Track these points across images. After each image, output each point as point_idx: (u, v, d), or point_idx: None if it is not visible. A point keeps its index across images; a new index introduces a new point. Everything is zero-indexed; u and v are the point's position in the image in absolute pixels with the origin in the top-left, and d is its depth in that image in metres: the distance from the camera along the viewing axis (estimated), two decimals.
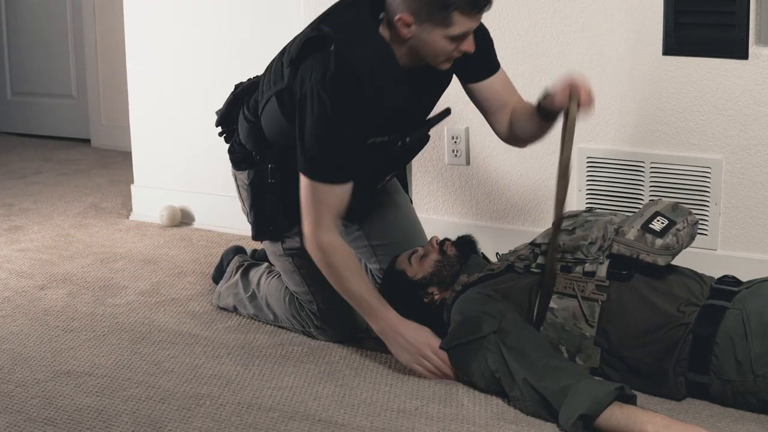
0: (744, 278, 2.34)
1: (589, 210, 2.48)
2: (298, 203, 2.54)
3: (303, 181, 2.39)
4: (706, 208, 2.89)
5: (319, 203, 2.39)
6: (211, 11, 3.61)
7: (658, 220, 2.29)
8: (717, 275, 2.37)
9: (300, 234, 2.57)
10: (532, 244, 2.42)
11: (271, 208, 2.60)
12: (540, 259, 2.36)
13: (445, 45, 2.29)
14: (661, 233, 2.26)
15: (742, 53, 2.76)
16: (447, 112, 2.60)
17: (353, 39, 2.32)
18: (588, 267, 2.29)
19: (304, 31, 2.45)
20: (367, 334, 2.61)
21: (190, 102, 3.71)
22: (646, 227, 2.27)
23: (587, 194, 3.05)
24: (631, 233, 2.27)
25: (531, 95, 3.09)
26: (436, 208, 3.31)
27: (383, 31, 2.34)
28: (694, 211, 2.86)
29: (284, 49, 2.51)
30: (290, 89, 2.40)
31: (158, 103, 3.79)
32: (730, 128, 2.83)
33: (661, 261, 2.25)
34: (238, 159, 2.68)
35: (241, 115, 2.65)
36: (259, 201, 2.60)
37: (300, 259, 2.60)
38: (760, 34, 2.74)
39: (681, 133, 2.90)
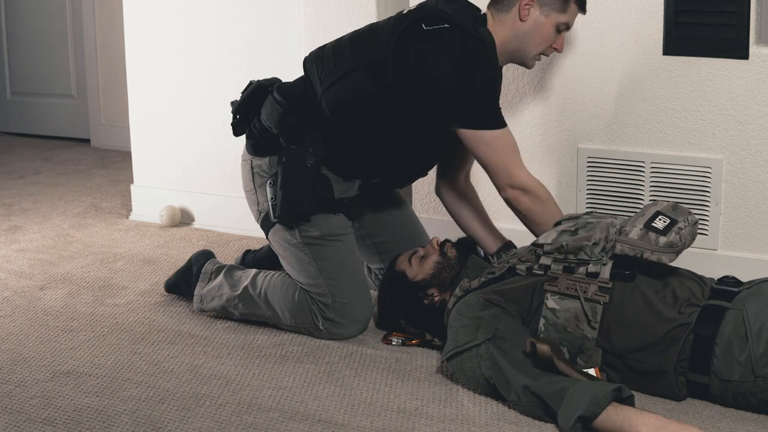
0: (745, 278, 2.34)
1: (589, 213, 2.48)
2: (318, 194, 2.59)
3: (474, 138, 2.52)
4: (707, 208, 2.88)
5: (500, 151, 2.53)
6: (212, 11, 3.61)
7: (660, 219, 2.28)
8: (717, 275, 2.37)
9: (319, 223, 2.60)
10: (534, 244, 2.41)
11: (302, 190, 2.58)
12: (543, 260, 2.35)
13: (550, 33, 2.56)
14: (664, 231, 2.25)
15: (742, 53, 2.76)
16: None
17: (473, 26, 2.50)
18: (591, 268, 2.28)
19: (408, 10, 2.56)
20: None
21: (190, 102, 3.71)
22: (648, 226, 2.27)
23: (587, 194, 3.05)
24: (634, 232, 2.27)
25: (531, 94, 3.09)
26: (436, 208, 3.30)
27: (489, 25, 2.57)
28: (695, 211, 2.87)
29: (367, 28, 2.60)
30: (395, 59, 2.47)
31: (158, 103, 3.79)
32: (730, 128, 2.83)
33: (665, 259, 2.24)
34: (260, 144, 2.68)
35: (269, 100, 2.64)
36: (291, 182, 2.58)
37: (316, 249, 2.61)
38: (760, 34, 2.74)
39: (681, 133, 2.90)
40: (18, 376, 2.42)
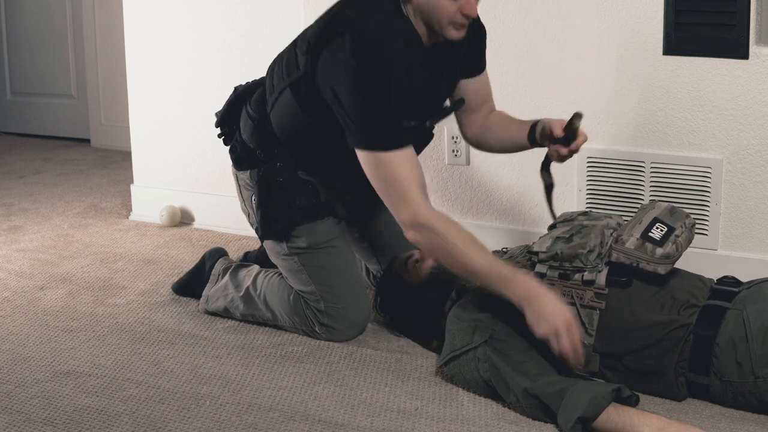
0: (745, 278, 2.34)
1: (585, 213, 2.47)
2: (304, 202, 2.56)
3: (367, 161, 2.30)
4: (707, 208, 2.88)
5: (394, 179, 2.28)
6: (212, 11, 3.61)
7: (657, 228, 2.28)
8: (717, 275, 2.37)
9: (304, 234, 2.58)
10: (529, 252, 2.41)
11: (278, 207, 2.58)
12: (538, 267, 2.34)
13: (446, 5, 2.31)
14: (661, 242, 2.25)
15: (742, 53, 2.76)
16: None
17: (377, 20, 2.33)
18: (587, 275, 2.27)
19: (322, 16, 2.42)
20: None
21: (190, 102, 3.71)
22: (645, 236, 2.26)
23: (587, 194, 3.05)
24: (631, 242, 2.26)
25: (531, 95, 3.09)
26: (436, 208, 3.30)
27: (404, 8, 2.36)
28: (694, 211, 2.87)
29: (295, 40, 2.51)
30: (308, 77, 2.38)
31: (158, 103, 3.79)
32: (730, 128, 2.83)
33: (661, 270, 2.24)
34: (241, 158, 2.66)
35: (243, 113, 2.64)
36: (266, 199, 2.59)
37: (306, 257, 2.60)
38: (760, 34, 2.74)
39: (681, 133, 2.90)
40: (18, 376, 2.42)
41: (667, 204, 2.37)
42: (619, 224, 2.39)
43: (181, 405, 2.25)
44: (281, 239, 2.61)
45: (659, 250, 2.24)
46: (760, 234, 2.84)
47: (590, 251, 2.28)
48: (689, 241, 2.32)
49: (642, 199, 2.96)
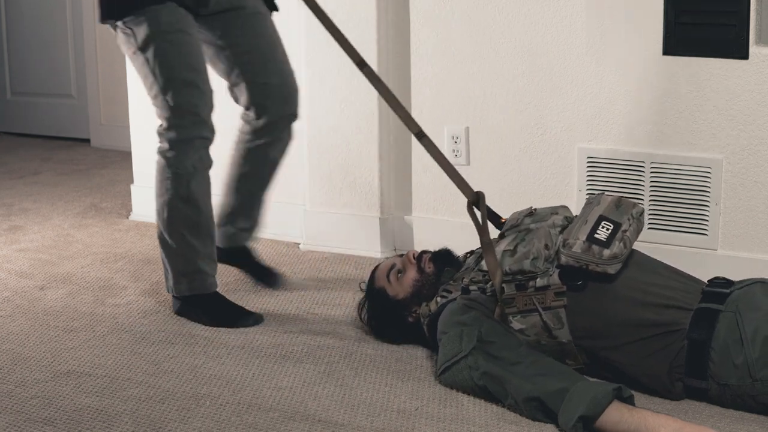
0: (744, 279, 2.33)
1: (531, 213, 2.46)
2: None
3: None
4: (706, 208, 2.89)
5: None
6: None
7: (603, 227, 2.26)
8: (717, 275, 2.36)
9: (148, 20, 2.56)
10: (481, 270, 2.37)
11: None
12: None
13: None
14: (608, 242, 2.23)
15: (742, 53, 2.76)
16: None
17: None
18: (539, 282, 2.25)
19: None
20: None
21: None
22: (591, 238, 2.24)
23: (587, 194, 3.05)
24: (578, 245, 2.24)
25: (530, 95, 3.09)
26: (436, 208, 3.31)
27: None
28: (694, 211, 2.87)
29: None
30: None
31: None
32: (730, 128, 2.83)
33: (611, 270, 2.23)
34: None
35: None
36: None
37: (151, 51, 2.59)
38: (760, 34, 2.75)
39: (681, 133, 2.90)
40: (18, 376, 2.42)
41: (612, 197, 2.35)
42: (566, 218, 2.38)
43: (181, 405, 2.26)
44: (119, 16, 2.58)
45: (606, 252, 2.23)
46: (760, 234, 2.84)
47: (535, 258, 2.27)
48: (639, 230, 2.32)
49: (642, 200, 2.96)
